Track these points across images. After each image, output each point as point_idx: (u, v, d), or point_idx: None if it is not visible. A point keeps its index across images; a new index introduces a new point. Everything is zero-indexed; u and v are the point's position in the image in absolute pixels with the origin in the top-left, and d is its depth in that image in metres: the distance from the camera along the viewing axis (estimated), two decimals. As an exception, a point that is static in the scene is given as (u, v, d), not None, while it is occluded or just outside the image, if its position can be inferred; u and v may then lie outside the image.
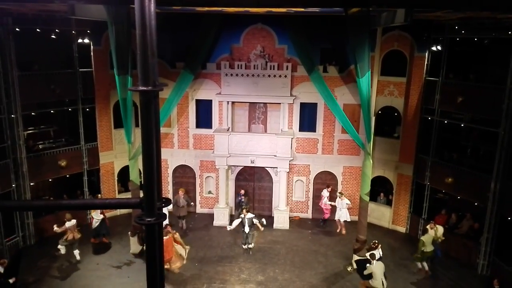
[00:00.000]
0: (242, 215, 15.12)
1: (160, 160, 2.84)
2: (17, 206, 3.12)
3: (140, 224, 2.68)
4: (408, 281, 13.93)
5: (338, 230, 17.01)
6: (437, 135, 15.95)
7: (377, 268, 12.01)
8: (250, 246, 15.39)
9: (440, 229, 14.09)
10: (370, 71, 13.55)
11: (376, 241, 13.29)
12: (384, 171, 17.59)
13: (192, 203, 17.53)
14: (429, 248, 13.62)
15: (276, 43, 17.29)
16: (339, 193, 17.08)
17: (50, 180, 16.96)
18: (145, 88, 2.42)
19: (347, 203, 16.54)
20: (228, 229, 15.60)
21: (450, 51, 15.34)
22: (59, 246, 14.15)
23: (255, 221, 15.08)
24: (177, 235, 13.85)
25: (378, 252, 12.83)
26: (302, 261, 15.03)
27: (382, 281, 11.96)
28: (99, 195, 17.54)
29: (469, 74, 15.56)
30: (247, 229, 15.04)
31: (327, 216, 17.41)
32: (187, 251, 13.92)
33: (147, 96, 2.46)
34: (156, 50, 2.56)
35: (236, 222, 15.18)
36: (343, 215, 16.65)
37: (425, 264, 14.04)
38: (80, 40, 16.38)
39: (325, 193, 17.39)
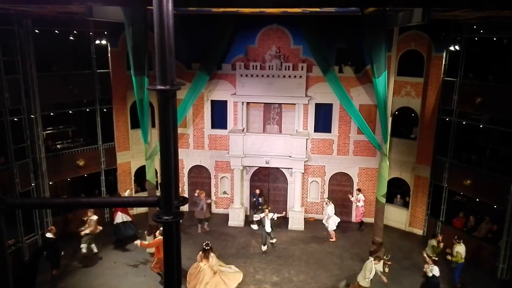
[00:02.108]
0: (263, 214, 15.06)
1: (178, 158, 2.86)
2: (37, 204, 3.17)
3: (158, 222, 2.70)
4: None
5: (332, 239, 16.49)
6: (455, 136, 15.69)
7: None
8: (273, 241, 15.49)
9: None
10: (386, 71, 13.42)
11: None
12: (401, 173, 17.39)
13: (210, 201, 17.79)
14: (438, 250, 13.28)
15: (291, 44, 17.26)
16: (327, 198, 17.13)
17: (68, 179, 17.23)
18: (163, 87, 2.45)
19: (329, 212, 16.24)
20: (255, 229, 15.82)
21: (468, 51, 15.08)
22: (81, 245, 14.43)
23: (274, 216, 15.12)
24: (212, 260, 12.89)
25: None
26: (317, 262, 14.96)
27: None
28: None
29: (487, 75, 15.27)
30: (268, 229, 15.03)
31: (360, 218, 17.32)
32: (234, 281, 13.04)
33: (165, 95, 2.48)
34: (173, 50, 2.59)
35: (257, 217, 15.41)
36: (331, 223, 16.21)
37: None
38: (97, 42, 16.63)
39: (361, 196, 17.04)
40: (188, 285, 12.72)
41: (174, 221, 2.68)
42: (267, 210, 15.20)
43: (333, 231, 16.43)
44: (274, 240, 15.57)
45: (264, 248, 15.33)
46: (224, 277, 13.03)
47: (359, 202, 16.91)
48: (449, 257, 13.26)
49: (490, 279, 13.97)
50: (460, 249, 13.16)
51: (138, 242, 13.36)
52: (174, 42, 2.60)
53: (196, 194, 16.84)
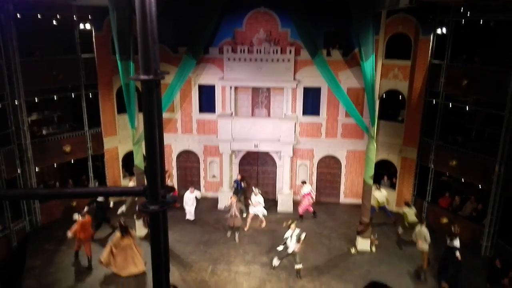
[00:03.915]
0: (291, 232, 12.96)
1: (163, 149, 2.85)
2: (23, 195, 3.15)
3: (144, 212, 2.72)
4: (410, 262, 14.04)
5: (263, 225, 15.94)
6: (442, 118, 15.86)
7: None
8: (299, 266, 13.11)
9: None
10: (374, 55, 13.43)
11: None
12: (388, 155, 17.57)
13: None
14: (410, 218, 14.84)
15: (279, 27, 17.11)
16: (255, 188, 16.47)
17: (55, 165, 17.07)
18: (146, 77, 2.42)
19: (259, 201, 15.89)
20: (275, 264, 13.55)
21: (455, 33, 15.13)
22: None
23: (302, 236, 13.03)
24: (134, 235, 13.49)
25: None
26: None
27: None
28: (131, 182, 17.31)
29: (474, 57, 15.38)
30: (292, 246, 12.94)
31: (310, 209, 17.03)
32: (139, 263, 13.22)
33: (148, 85, 2.46)
34: (157, 38, 2.55)
35: (285, 239, 13.11)
36: (259, 210, 15.90)
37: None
38: (81, 26, 16.30)
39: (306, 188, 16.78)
40: (110, 263, 13.02)
41: (161, 211, 2.69)
42: (293, 224, 13.08)
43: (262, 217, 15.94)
44: (300, 266, 13.13)
45: (275, 263, 13.52)
46: (135, 257, 13.24)
47: (307, 195, 16.60)
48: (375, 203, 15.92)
49: (474, 256, 14.33)
50: (377, 194, 16.09)
51: (68, 233, 13.35)
52: (158, 28, 2.56)
53: (228, 203, 15.31)
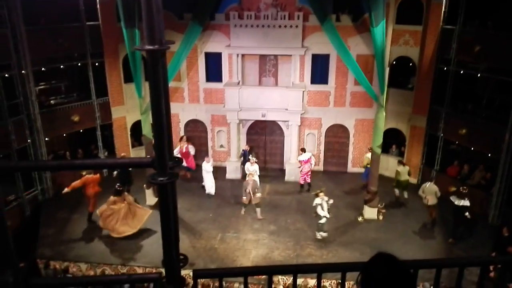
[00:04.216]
0: (320, 200, 13.24)
1: (170, 120, 2.81)
2: (33, 167, 3.18)
3: (153, 184, 2.71)
4: (417, 229, 14.18)
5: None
6: (453, 85, 15.57)
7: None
8: (325, 234, 13.58)
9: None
10: (384, 20, 13.07)
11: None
12: (397, 123, 17.41)
13: (259, 193, 14.79)
14: (403, 177, 15.39)
15: (287, -9, 16.63)
16: (251, 156, 16.22)
17: (64, 135, 17.20)
18: (151, 47, 2.35)
19: (256, 170, 15.50)
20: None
21: (469, -3, 14.63)
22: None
23: (330, 202, 13.37)
24: (128, 197, 13.78)
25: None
26: (313, 211, 15.28)
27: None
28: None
29: (487, 22, 14.91)
30: (327, 214, 13.28)
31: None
32: (143, 218, 13.70)
33: (153, 55, 2.39)
34: (161, 7, 2.46)
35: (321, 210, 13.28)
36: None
37: (404, 192, 15.62)
38: (86, -8, 15.98)
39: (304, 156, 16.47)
40: (105, 225, 13.48)
41: (169, 182, 2.68)
42: (322, 192, 13.32)
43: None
44: (326, 234, 13.56)
45: (319, 235, 13.63)
46: (135, 215, 13.66)
47: (306, 162, 16.30)
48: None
49: (481, 225, 14.39)
50: (369, 156, 15.84)
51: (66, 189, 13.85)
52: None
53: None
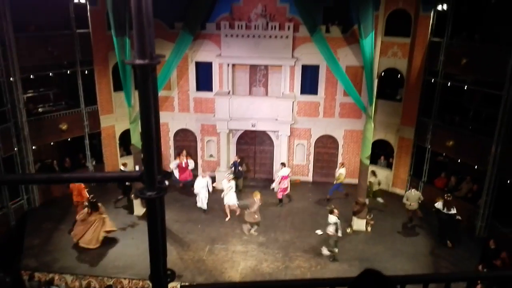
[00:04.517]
0: (335, 218, 13.00)
1: (159, 135, 2.79)
2: (20, 180, 3.12)
3: (141, 198, 2.68)
4: (405, 241, 14.24)
5: (227, 219, 15.33)
6: (440, 97, 15.78)
7: None
8: (336, 250, 13.25)
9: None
10: (373, 32, 13.23)
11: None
12: (386, 134, 17.55)
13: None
14: (375, 187, 16.13)
15: (277, 2, 16.77)
16: (227, 175, 15.97)
17: (52, 143, 16.99)
18: (141, 62, 2.32)
19: (231, 186, 15.29)
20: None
21: (456, 10, 14.89)
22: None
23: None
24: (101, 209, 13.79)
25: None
26: (302, 222, 15.30)
27: None
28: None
29: (474, 34, 15.18)
30: (340, 233, 13.16)
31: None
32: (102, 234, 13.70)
33: (144, 70, 2.37)
34: (152, 20, 2.45)
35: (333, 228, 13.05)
36: (231, 198, 15.32)
37: (378, 199, 16.21)
38: (76, 0, 15.91)
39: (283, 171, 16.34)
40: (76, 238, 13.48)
41: (158, 197, 2.64)
42: (336, 210, 13.14)
43: (236, 208, 15.44)
44: (336, 250, 13.22)
45: (326, 251, 13.38)
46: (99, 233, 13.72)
47: (285, 178, 16.18)
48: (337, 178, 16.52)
49: (468, 236, 14.50)
50: (342, 171, 16.47)
51: None
52: (153, 4, 2.45)
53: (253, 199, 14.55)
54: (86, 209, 13.49)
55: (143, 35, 2.37)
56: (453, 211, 13.66)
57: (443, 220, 13.85)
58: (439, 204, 13.83)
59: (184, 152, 17.69)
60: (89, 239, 13.36)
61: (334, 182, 16.82)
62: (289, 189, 16.47)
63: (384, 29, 16.12)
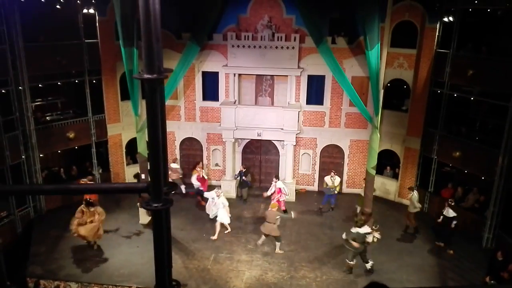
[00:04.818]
0: (368, 228, 12.86)
1: (166, 146, 2.85)
2: (28, 190, 3.16)
3: (147, 210, 2.72)
4: (411, 252, 14.14)
5: (213, 237, 14.57)
6: (446, 108, 15.76)
7: None
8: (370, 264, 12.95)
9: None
10: (379, 43, 13.29)
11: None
12: (392, 145, 17.52)
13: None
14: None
15: (284, 13, 16.92)
16: (218, 189, 15.32)
17: (59, 151, 17.14)
18: (150, 76, 2.40)
19: (223, 203, 14.80)
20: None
21: (462, 22, 14.93)
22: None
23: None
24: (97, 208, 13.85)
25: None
26: (307, 232, 15.25)
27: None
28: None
29: (481, 46, 15.20)
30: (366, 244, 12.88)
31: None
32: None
33: (152, 84, 2.44)
34: (160, 35, 2.52)
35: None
36: (223, 216, 14.74)
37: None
38: (85, 10, 16.17)
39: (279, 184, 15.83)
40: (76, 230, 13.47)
41: (164, 209, 2.69)
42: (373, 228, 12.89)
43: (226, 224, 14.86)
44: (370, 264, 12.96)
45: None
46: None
47: (279, 194, 15.67)
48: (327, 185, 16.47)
49: (475, 248, 14.38)
50: (337, 181, 16.49)
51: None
52: (161, 15, 2.52)
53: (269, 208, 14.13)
54: (83, 208, 13.66)
55: (151, 50, 2.45)
56: (452, 214, 13.99)
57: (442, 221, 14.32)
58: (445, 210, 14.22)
59: (201, 164, 17.95)
60: (83, 232, 13.53)
61: (331, 191, 16.42)
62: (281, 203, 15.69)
63: (390, 41, 16.19)
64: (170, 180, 14.98)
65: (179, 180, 17.49)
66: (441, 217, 14.24)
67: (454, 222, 14.01)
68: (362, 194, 15.52)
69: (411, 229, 15.32)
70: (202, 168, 17.62)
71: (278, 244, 13.96)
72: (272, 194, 15.84)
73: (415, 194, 15.13)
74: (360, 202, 16.07)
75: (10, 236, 14.42)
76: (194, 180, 16.90)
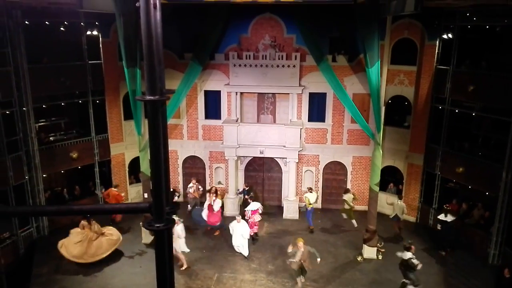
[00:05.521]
0: (411, 255, 12.28)
1: (168, 167, 2.87)
2: (31, 212, 3.18)
3: (149, 230, 2.73)
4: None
5: (182, 268, 13.64)
6: (448, 124, 15.78)
7: None
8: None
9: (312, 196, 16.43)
10: (379, 61, 13.39)
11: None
12: (394, 161, 17.49)
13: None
14: (348, 206, 16.18)
15: (284, 33, 17.15)
16: (176, 218, 13.28)
17: (62, 171, 17.17)
18: (152, 98, 2.44)
19: (181, 230, 13.88)
20: None
21: (461, 39, 15.07)
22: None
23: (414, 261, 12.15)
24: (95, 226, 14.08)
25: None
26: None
27: None
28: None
29: (480, 62, 15.29)
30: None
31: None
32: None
33: (154, 105, 2.48)
34: (162, 58, 2.58)
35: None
36: (181, 244, 13.83)
37: (353, 221, 16.21)
38: (88, 32, 16.42)
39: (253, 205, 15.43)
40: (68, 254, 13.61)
41: (166, 229, 2.70)
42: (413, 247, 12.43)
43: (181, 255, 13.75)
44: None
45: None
46: (105, 240, 14.12)
47: (254, 214, 15.35)
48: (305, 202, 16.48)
49: (481, 264, 14.19)
50: (310, 196, 16.31)
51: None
52: (163, 35, 2.58)
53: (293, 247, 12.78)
54: (82, 222, 13.93)
55: (153, 72, 2.50)
56: (450, 218, 14.46)
57: (442, 228, 14.73)
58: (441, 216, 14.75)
59: (214, 189, 16.16)
60: (75, 253, 13.65)
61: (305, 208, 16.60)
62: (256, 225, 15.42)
63: (390, 58, 16.32)
64: (189, 197, 15.79)
65: (196, 199, 17.49)
66: (438, 225, 14.83)
67: (439, 225, 14.76)
68: (371, 211, 15.32)
69: (399, 235, 15.76)
70: (215, 194, 15.89)
71: (302, 277, 12.87)
72: (250, 215, 15.36)
73: (350, 194, 16.12)
74: (348, 213, 16.29)
75: (13, 257, 14.36)
76: (204, 206, 15.89)
